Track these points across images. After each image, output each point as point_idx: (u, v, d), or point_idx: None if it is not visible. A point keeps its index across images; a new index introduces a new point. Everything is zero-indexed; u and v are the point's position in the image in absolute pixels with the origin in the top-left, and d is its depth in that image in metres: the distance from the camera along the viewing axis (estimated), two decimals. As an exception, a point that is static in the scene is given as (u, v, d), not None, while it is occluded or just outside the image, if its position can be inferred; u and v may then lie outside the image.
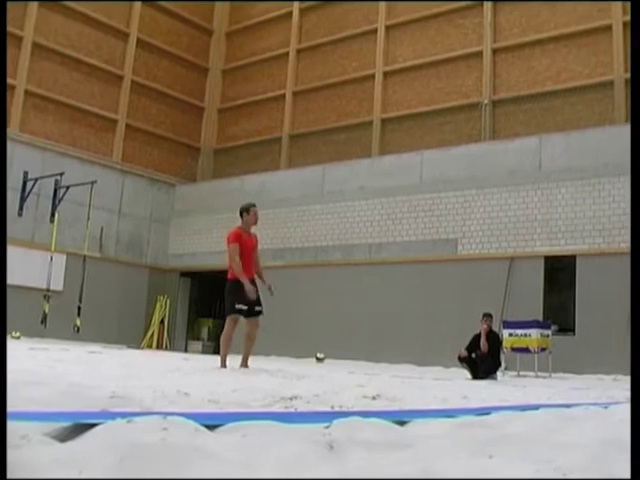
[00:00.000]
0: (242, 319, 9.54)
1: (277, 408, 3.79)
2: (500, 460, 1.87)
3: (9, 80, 21.11)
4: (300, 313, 20.12)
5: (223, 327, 9.69)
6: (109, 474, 1.51)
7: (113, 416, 2.22)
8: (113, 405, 3.22)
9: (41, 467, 1.51)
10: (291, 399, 4.40)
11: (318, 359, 18.07)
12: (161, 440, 1.79)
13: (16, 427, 1.85)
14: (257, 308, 9.35)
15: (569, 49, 19.45)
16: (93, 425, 2.07)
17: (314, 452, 1.93)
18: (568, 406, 4.38)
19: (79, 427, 2.10)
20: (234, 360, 9.56)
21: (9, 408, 2.15)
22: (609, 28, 18.45)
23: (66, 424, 2.13)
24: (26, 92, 21.52)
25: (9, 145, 20.68)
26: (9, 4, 21.09)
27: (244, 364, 9.46)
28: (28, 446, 1.73)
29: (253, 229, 9.79)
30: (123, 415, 2.22)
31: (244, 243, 9.39)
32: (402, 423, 2.89)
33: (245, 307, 9.24)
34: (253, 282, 9.42)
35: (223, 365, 9.28)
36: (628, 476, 1.67)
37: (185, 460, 1.64)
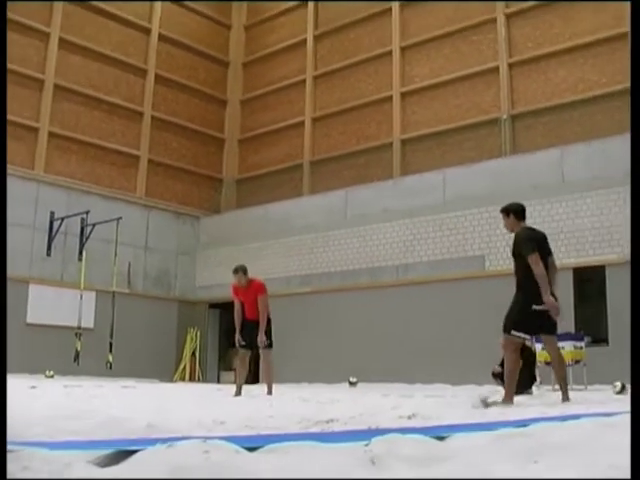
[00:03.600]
0: None
1: (315, 431, 3.77)
2: (546, 465, 1.86)
3: (32, 122, 21.41)
4: (330, 338, 20.04)
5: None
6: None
7: (153, 442, 2.22)
8: (150, 434, 3.22)
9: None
10: (327, 422, 4.39)
11: (351, 383, 17.98)
12: (204, 460, 1.79)
13: (59, 456, 1.86)
14: (259, 344, 10.92)
15: (585, 59, 19.41)
16: (134, 452, 2.07)
17: (357, 467, 1.92)
18: (609, 415, 4.32)
19: (120, 454, 2.10)
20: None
21: (49, 439, 2.16)
22: (624, 36, 18.39)
23: (107, 452, 2.14)
24: (49, 134, 21.78)
25: (34, 186, 20.97)
26: (32, 46, 21.52)
27: (267, 392, 10.79)
28: (72, 472, 1.73)
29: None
30: (163, 441, 2.22)
31: (239, 295, 11.07)
32: (441, 438, 2.87)
33: (242, 342, 10.98)
34: (250, 323, 10.94)
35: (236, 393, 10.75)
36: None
37: (229, 477, 1.64)
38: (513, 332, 7.48)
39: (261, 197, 24.67)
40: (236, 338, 10.99)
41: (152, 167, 24.34)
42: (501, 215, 8.05)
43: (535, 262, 7.39)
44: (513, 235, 7.98)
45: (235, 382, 11.55)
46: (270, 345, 11.04)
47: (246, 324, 10.96)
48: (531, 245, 7.54)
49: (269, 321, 11.06)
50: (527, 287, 7.48)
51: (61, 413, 4.20)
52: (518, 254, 7.63)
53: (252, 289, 10.96)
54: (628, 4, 17.78)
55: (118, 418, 4.10)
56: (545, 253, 7.67)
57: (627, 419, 3.75)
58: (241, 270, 10.99)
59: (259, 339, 10.74)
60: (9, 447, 1.86)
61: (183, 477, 1.59)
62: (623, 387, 11.11)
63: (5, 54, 16.15)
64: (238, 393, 10.62)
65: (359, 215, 20.88)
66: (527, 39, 20.41)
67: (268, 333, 11.00)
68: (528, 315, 7.49)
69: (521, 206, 7.92)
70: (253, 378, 17.26)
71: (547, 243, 7.83)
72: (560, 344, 14.31)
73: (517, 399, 7.46)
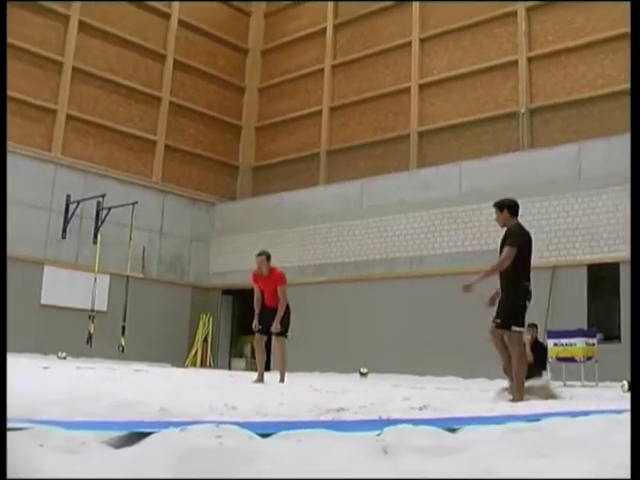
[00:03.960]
0: None
1: (326, 419, 3.78)
2: (557, 459, 1.86)
3: (50, 105, 21.48)
4: (342, 328, 20.06)
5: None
6: (169, 475, 1.53)
7: (166, 425, 2.24)
8: (163, 418, 3.25)
9: (101, 470, 1.54)
10: (338, 411, 4.40)
11: (362, 374, 18.01)
12: (218, 444, 1.81)
13: (75, 435, 1.88)
14: (272, 330, 10.99)
15: (605, 54, 19.28)
16: (147, 434, 2.09)
17: (370, 455, 1.93)
18: (619, 412, 4.31)
19: (134, 436, 2.12)
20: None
21: (64, 419, 2.18)
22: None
23: (121, 433, 2.16)
24: (67, 116, 21.83)
25: (51, 168, 21.05)
26: (52, 28, 21.61)
27: (280, 380, 10.88)
28: (87, 451, 1.76)
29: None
30: (176, 424, 2.24)
31: (259, 283, 11.22)
32: (452, 430, 2.88)
33: (258, 327, 11.18)
34: (269, 310, 11.06)
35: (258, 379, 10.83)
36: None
37: (243, 462, 1.65)
38: (514, 328, 7.44)
39: (277, 185, 24.67)
40: (253, 323, 11.17)
41: (169, 152, 24.39)
42: (493, 209, 8.00)
43: (509, 255, 7.42)
44: (528, 229, 7.93)
45: (256, 369, 11.59)
46: (284, 333, 11.09)
47: (265, 311, 11.10)
48: (520, 240, 7.55)
49: (288, 309, 11.10)
50: (515, 280, 7.47)
51: (74, 395, 4.23)
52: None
53: (272, 278, 11.02)
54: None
55: (130, 401, 4.12)
56: (530, 254, 7.68)
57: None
58: (264, 255, 11.07)
59: (273, 325, 10.81)
60: (25, 425, 1.88)
61: (197, 458, 1.61)
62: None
63: (5, 55, 16.17)
64: (260, 380, 10.65)
65: (375, 206, 20.85)
66: (547, 33, 20.29)
67: (286, 321, 11.07)
68: (521, 308, 7.49)
69: (515, 202, 7.91)
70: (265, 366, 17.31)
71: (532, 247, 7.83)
72: (571, 340, 14.40)
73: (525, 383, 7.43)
